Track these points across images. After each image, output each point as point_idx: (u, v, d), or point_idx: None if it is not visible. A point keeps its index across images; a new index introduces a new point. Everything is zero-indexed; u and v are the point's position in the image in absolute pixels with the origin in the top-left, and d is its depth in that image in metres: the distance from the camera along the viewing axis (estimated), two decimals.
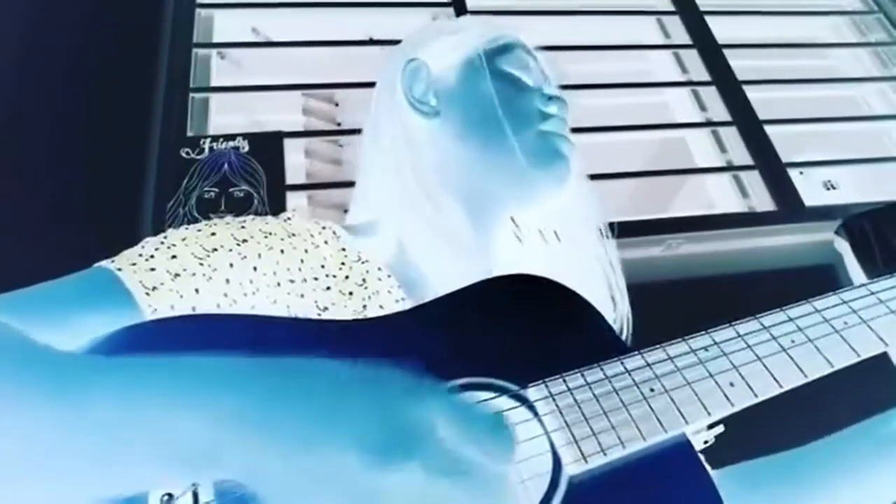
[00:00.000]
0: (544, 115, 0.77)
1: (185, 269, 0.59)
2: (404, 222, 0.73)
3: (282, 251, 0.65)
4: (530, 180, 0.75)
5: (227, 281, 0.60)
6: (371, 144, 0.80)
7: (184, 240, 0.62)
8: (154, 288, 0.57)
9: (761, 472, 0.73)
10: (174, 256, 0.60)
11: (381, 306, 0.67)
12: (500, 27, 0.82)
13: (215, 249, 0.61)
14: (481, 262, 0.69)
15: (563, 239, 0.79)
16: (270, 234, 0.66)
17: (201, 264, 0.60)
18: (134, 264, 0.58)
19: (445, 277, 0.65)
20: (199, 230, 0.63)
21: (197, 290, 0.58)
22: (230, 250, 0.62)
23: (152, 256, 0.59)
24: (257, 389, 0.40)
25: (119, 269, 0.58)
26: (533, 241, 0.79)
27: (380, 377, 0.41)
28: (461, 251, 0.71)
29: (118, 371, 0.42)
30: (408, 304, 0.62)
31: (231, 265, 0.61)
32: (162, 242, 0.61)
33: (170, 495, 0.43)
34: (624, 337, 0.73)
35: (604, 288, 0.78)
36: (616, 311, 0.76)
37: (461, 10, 1.75)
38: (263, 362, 0.41)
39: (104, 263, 0.59)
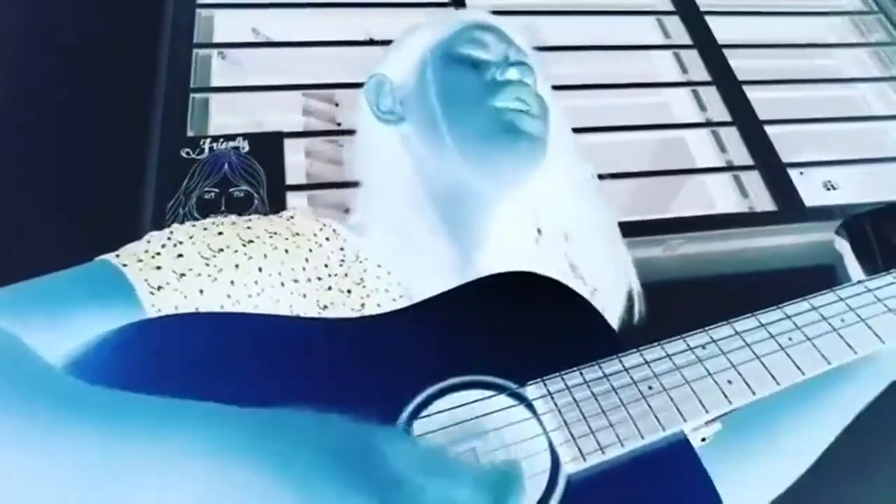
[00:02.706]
0: (498, 86, 0.72)
1: (191, 268, 0.59)
2: (388, 236, 0.73)
3: (286, 251, 0.65)
4: (493, 164, 0.72)
5: (232, 282, 0.60)
6: (358, 153, 0.81)
7: (191, 238, 0.61)
8: (159, 287, 0.56)
9: (727, 431, 0.71)
10: (180, 255, 0.59)
11: (378, 304, 0.67)
12: (460, 13, 0.80)
13: (221, 250, 0.61)
14: (460, 277, 0.65)
15: (579, 240, 0.79)
16: (275, 233, 0.66)
17: (207, 265, 0.60)
18: (140, 261, 0.58)
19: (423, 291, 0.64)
20: (206, 228, 0.63)
21: (201, 291, 0.58)
22: (236, 251, 0.62)
23: (158, 254, 0.59)
24: (221, 445, 0.38)
25: (125, 265, 0.57)
26: (536, 243, 0.78)
27: (364, 453, 0.39)
28: (437, 271, 0.69)
29: (103, 409, 0.41)
30: (405, 303, 0.62)
31: (237, 266, 0.61)
32: (168, 239, 0.61)
33: None
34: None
35: (623, 290, 0.78)
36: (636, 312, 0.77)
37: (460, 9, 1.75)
38: (248, 417, 0.40)
39: (108, 257, 0.59)
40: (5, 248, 1.26)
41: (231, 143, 1.45)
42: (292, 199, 1.44)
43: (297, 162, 1.55)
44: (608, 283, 0.76)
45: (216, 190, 1.39)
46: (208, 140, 1.46)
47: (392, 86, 0.78)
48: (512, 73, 0.72)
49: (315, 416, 0.40)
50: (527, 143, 0.71)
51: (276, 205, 1.38)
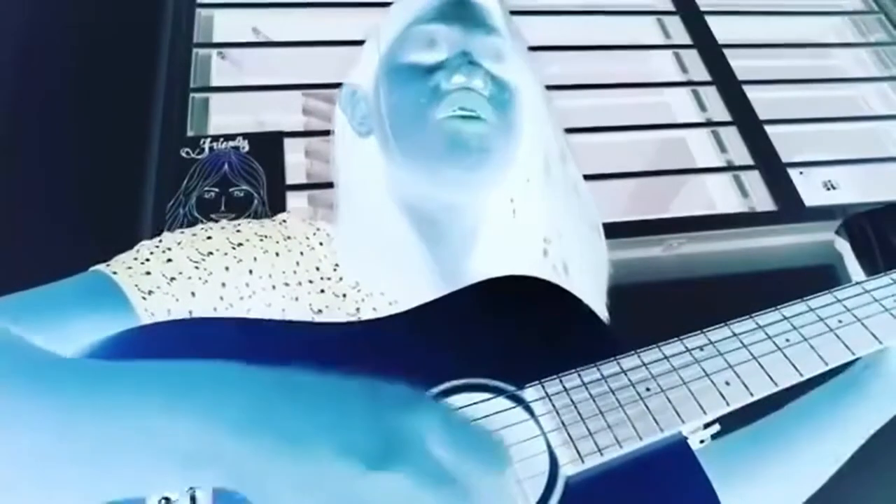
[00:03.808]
0: (442, 95, 0.67)
1: (181, 272, 0.59)
2: (364, 244, 0.71)
3: (277, 254, 0.65)
4: (444, 179, 0.68)
5: (223, 284, 0.60)
6: (336, 158, 0.79)
7: (179, 243, 0.62)
8: (150, 292, 0.57)
9: (726, 450, 0.71)
10: (170, 260, 0.60)
11: (374, 308, 0.67)
12: (410, 2, 0.75)
13: (211, 253, 0.62)
14: (447, 284, 0.65)
15: (564, 240, 0.77)
16: (266, 237, 0.66)
17: (197, 268, 0.60)
18: (130, 268, 0.58)
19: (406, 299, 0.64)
20: (195, 234, 0.63)
21: (193, 294, 0.59)
22: (226, 254, 0.62)
23: (147, 260, 0.59)
24: (251, 396, 0.40)
25: (115, 273, 0.58)
26: (527, 247, 0.77)
27: (373, 387, 0.41)
28: (416, 279, 0.68)
29: (112, 375, 0.42)
30: (401, 307, 0.62)
31: (227, 269, 0.61)
32: (157, 246, 0.61)
33: (167, 499, 0.43)
34: None
35: (603, 290, 0.77)
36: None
37: None
38: (257, 370, 0.41)
39: (100, 267, 0.59)
40: (4, 248, 1.26)
41: (231, 143, 1.45)
42: (292, 198, 1.44)
43: (297, 162, 1.55)
44: (590, 283, 0.75)
45: (216, 189, 1.39)
46: (208, 140, 1.46)
47: (362, 94, 0.76)
48: (458, 79, 0.67)
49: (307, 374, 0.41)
50: (468, 154, 0.67)
51: (276, 205, 1.38)
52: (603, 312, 0.74)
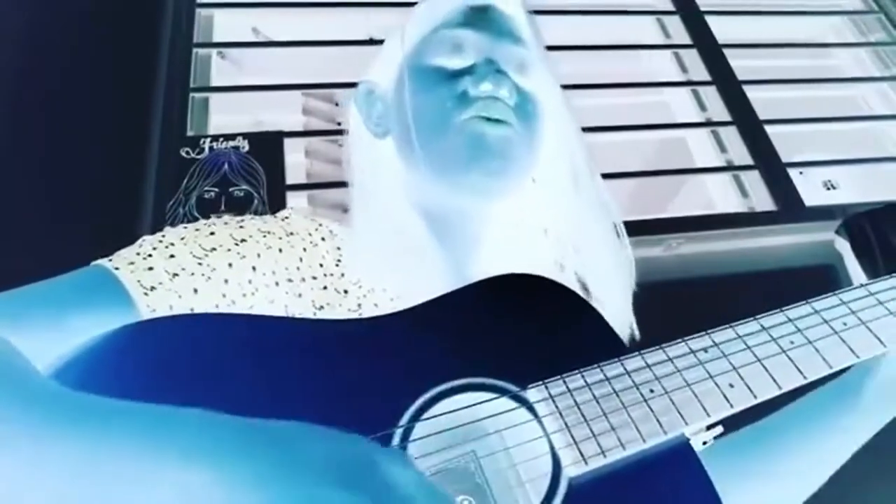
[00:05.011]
0: (469, 101, 0.67)
1: (184, 268, 0.59)
2: (379, 242, 0.71)
3: (280, 250, 0.65)
4: (465, 183, 0.68)
5: (226, 281, 0.60)
6: (351, 157, 0.79)
7: (182, 239, 0.61)
8: (152, 288, 0.57)
9: (725, 451, 0.70)
10: (172, 256, 0.59)
11: (375, 304, 0.67)
12: (436, 5, 0.74)
13: (214, 249, 0.61)
14: (455, 282, 0.65)
15: (582, 239, 0.77)
16: (269, 233, 0.65)
17: (200, 264, 0.60)
18: (132, 263, 0.58)
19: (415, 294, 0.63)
20: (198, 229, 0.63)
21: (195, 291, 0.58)
22: (229, 250, 0.62)
23: (150, 255, 0.59)
24: (239, 459, 0.38)
25: (117, 269, 0.57)
26: (538, 245, 0.77)
27: (333, 453, 0.39)
28: (429, 276, 0.67)
29: (96, 415, 0.40)
30: (402, 303, 0.62)
31: (230, 265, 0.61)
32: (160, 241, 0.61)
33: None
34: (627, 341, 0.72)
35: (626, 290, 0.77)
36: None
37: None
38: (245, 426, 0.39)
39: (101, 262, 0.59)
40: (4, 248, 1.26)
41: (231, 143, 1.45)
42: (292, 198, 1.44)
43: (297, 162, 1.55)
44: (615, 295, 0.74)
45: (216, 189, 1.39)
46: (208, 139, 1.46)
47: (380, 94, 0.76)
48: (486, 87, 0.67)
49: (311, 426, 0.40)
50: (490, 157, 0.67)
51: (276, 205, 1.38)
52: (626, 330, 0.74)
